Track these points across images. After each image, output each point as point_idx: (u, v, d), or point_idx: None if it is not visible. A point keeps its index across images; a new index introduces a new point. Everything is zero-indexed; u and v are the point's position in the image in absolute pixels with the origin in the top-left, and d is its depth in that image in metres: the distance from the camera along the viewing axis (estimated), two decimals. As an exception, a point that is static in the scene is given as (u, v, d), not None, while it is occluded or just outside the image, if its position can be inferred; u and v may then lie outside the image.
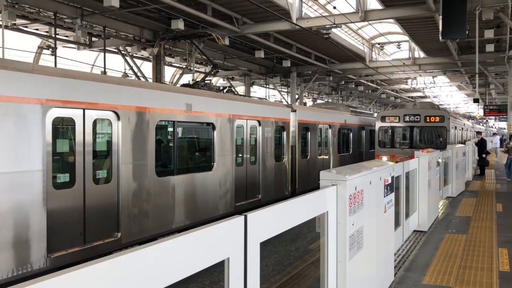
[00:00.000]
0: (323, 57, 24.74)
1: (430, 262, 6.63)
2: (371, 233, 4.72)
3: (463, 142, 22.04)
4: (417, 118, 18.55)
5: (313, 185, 15.50)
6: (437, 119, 18.19)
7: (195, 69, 23.45)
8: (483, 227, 9.04)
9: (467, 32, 10.11)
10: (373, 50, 26.52)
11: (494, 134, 53.15)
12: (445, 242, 7.85)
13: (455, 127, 20.56)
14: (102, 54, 17.27)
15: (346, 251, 3.95)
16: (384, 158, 17.43)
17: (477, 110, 43.92)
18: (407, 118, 18.78)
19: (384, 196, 5.34)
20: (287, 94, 31.16)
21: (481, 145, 20.71)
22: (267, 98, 31.17)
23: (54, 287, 1.56)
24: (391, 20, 19.22)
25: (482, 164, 20.48)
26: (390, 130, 19.30)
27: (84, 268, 1.66)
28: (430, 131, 18.55)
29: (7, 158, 6.03)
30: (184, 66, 21.45)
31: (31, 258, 6.33)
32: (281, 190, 13.71)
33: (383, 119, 19.37)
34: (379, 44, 27.07)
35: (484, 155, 20.41)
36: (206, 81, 12.35)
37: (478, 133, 22.97)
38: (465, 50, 22.75)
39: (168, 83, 22.88)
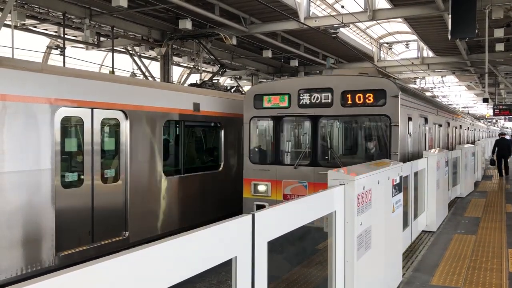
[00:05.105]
0: (331, 57, 24.67)
1: (438, 262, 6.59)
2: (379, 233, 4.69)
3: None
4: (326, 98, 8.70)
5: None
6: (370, 97, 8.38)
7: (203, 68, 23.49)
8: (493, 228, 8.96)
9: (476, 31, 10.01)
10: (381, 49, 26.40)
11: (503, 134, 52.32)
12: (454, 242, 7.79)
13: (425, 118, 10.95)
14: (110, 54, 17.36)
15: (354, 251, 3.93)
16: (261, 188, 8.99)
17: (487, 110, 43.54)
18: (306, 99, 8.88)
19: (392, 196, 5.30)
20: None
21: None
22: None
23: (61, 285, 1.56)
24: (400, 19, 19.10)
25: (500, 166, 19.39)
26: (272, 127, 9.33)
27: (91, 266, 1.66)
28: (356, 127, 9.10)
29: (16, 157, 6.07)
30: (191, 66, 21.50)
31: (41, 257, 6.37)
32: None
33: (257, 100, 9.28)
34: (387, 43, 26.94)
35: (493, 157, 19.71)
36: (213, 81, 12.37)
37: (502, 134, 22.03)
38: (474, 49, 22.57)
39: (175, 82, 22.96)
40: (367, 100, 8.39)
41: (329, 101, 8.69)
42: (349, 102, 8.53)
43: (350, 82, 8.66)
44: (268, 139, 9.62)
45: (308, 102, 8.86)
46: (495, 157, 19.87)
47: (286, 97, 9.00)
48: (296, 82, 9.25)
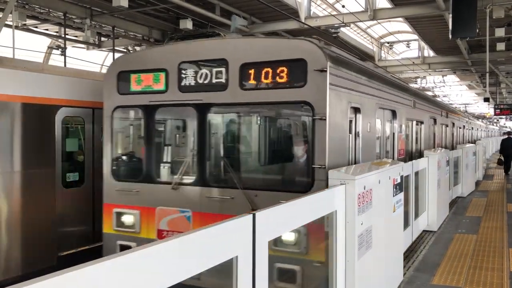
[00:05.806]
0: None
1: (439, 262, 6.58)
2: (380, 233, 4.69)
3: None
4: (219, 76, 5.42)
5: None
6: (283, 73, 5.08)
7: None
8: (494, 227, 8.95)
9: (477, 31, 10.01)
10: (382, 49, 26.38)
11: (508, 133, 51.77)
12: (455, 242, 7.79)
13: (392, 111, 7.90)
14: (111, 53, 17.38)
15: (354, 251, 3.93)
16: (126, 219, 5.93)
17: (488, 110, 43.53)
18: (190, 77, 5.59)
19: (393, 196, 5.30)
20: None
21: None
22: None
23: (61, 285, 1.56)
24: (400, 19, 19.08)
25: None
26: (141, 124, 6.13)
27: (91, 266, 1.66)
28: (265, 123, 5.89)
29: (17, 158, 6.08)
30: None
31: (41, 257, 6.37)
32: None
33: (123, 80, 6.02)
34: (388, 43, 26.90)
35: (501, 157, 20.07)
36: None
37: (509, 133, 22.59)
38: (475, 49, 22.54)
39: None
40: (278, 78, 5.09)
41: (223, 80, 5.38)
42: (252, 81, 5.24)
43: (255, 50, 5.34)
44: (140, 142, 6.26)
45: (193, 82, 5.56)
46: (502, 157, 20.25)
47: (162, 75, 5.73)
48: (176, 51, 5.78)
